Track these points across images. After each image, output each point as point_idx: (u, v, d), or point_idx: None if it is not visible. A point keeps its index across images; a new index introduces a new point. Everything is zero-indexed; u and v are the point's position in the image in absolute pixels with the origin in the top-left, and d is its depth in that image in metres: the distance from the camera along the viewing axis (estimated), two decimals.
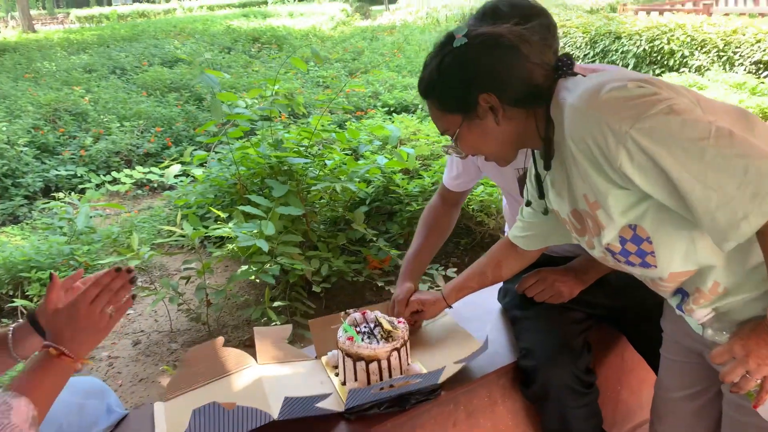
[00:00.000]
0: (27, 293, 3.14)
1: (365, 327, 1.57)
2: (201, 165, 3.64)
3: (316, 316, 3.15)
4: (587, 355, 1.55)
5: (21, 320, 1.39)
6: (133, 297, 1.18)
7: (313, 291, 2.97)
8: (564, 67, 1.13)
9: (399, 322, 1.56)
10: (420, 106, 5.39)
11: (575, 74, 1.13)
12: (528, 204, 1.39)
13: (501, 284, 1.86)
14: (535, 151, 1.26)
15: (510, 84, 1.11)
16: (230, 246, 2.99)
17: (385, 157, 3.47)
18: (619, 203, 1.05)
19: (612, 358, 1.81)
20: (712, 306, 1.10)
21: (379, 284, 3.07)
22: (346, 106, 5.57)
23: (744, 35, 6.44)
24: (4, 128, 5.26)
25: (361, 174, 3.26)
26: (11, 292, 3.17)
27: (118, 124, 5.71)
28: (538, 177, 1.27)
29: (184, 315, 3.15)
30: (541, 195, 1.28)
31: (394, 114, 5.32)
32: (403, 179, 3.35)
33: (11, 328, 1.18)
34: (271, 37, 12.09)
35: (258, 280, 3.11)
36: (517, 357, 1.58)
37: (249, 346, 2.94)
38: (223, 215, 2.92)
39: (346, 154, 3.56)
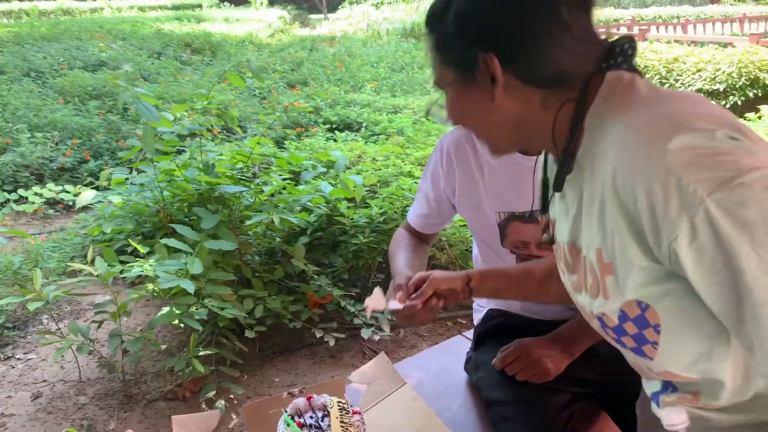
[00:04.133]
0: None
1: (311, 417, 1.27)
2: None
3: (247, 363, 2.86)
4: None
5: None
6: None
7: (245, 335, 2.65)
8: (621, 55, 0.79)
9: (354, 412, 1.28)
10: (365, 125, 5.12)
11: (636, 72, 0.80)
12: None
13: (469, 352, 1.60)
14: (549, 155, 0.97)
15: (527, 53, 0.78)
16: (150, 286, 2.62)
17: (330, 184, 3.18)
18: (640, 277, 0.76)
19: None
20: (697, 414, 0.87)
21: (318, 334, 2.76)
22: (285, 126, 5.24)
23: (685, 63, 6.58)
24: None
25: (303, 203, 2.97)
26: None
27: (29, 135, 5.15)
28: (544, 183, 0.97)
29: (96, 362, 2.76)
30: (545, 207, 0.97)
31: (336, 131, 5.03)
32: (348, 208, 3.07)
33: None
34: (205, 43, 11.52)
35: (182, 325, 2.76)
36: None
37: (171, 399, 2.60)
38: (143, 250, 2.55)
39: (285, 179, 3.25)
